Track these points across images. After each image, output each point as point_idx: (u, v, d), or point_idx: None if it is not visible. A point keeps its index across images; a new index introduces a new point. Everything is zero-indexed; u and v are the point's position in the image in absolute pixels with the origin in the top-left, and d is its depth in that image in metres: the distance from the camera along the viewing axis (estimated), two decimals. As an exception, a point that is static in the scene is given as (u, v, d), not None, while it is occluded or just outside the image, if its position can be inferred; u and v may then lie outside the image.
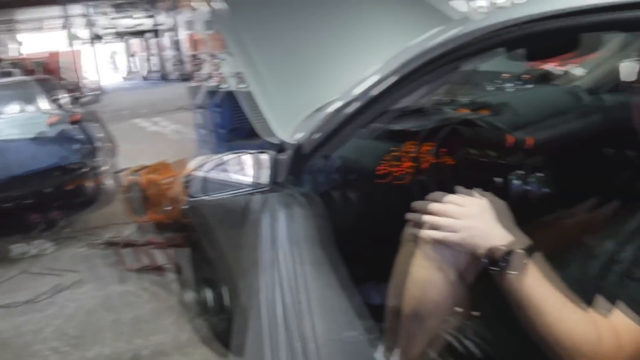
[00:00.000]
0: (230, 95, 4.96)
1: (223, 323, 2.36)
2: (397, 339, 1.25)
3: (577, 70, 2.51)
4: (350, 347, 0.60)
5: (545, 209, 2.07)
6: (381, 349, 1.42)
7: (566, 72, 2.34)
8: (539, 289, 0.97)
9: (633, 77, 2.22)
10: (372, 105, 1.37)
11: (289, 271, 0.88)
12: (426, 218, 1.10)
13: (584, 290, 1.14)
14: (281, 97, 1.64)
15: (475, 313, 1.29)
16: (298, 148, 1.40)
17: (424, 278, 1.11)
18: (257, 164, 1.54)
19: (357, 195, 1.64)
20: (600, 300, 1.00)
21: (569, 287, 1.18)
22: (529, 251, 0.99)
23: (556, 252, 1.33)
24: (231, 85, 4.90)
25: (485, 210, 1.05)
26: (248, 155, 1.51)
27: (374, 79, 1.35)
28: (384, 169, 1.80)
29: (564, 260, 1.25)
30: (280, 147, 1.57)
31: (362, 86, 1.39)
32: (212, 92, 5.54)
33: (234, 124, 5.08)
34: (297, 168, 1.50)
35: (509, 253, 0.98)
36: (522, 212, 1.73)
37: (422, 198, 1.66)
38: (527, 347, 1.06)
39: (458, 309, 1.13)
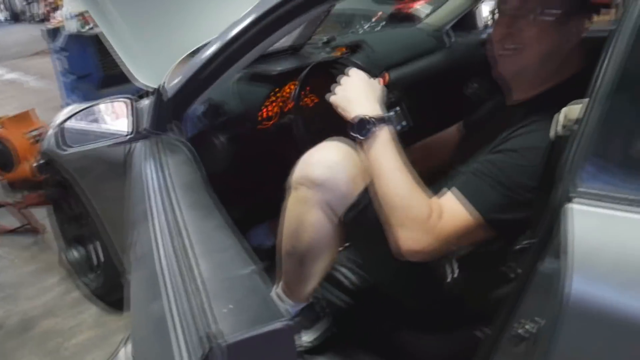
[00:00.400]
0: (79, 38, 4.53)
1: (99, 280, 2.28)
2: (281, 275, 1.34)
3: (424, 8, 2.66)
4: (239, 283, 0.63)
5: (405, 141, 2.25)
6: (272, 285, 1.50)
7: (417, 11, 2.48)
8: (386, 158, 1.11)
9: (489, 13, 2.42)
10: (235, 47, 1.36)
11: (167, 218, 0.88)
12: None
13: None
14: (140, 42, 1.57)
15: (347, 244, 1.41)
16: (162, 94, 1.36)
17: (298, 218, 1.19)
18: (122, 112, 1.47)
19: (227, 138, 1.65)
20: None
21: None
22: (389, 120, 1.14)
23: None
24: (73, 27, 4.47)
25: (361, 85, 1.21)
26: (112, 104, 1.43)
27: (241, 20, 1.35)
28: (263, 112, 1.82)
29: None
30: (151, 93, 1.52)
31: (228, 28, 1.37)
32: (56, 34, 5.00)
33: (85, 71, 4.65)
34: (162, 114, 1.47)
35: (365, 121, 1.12)
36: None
37: (287, 139, 1.73)
38: (398, 271, 1.19)
39: (333, 245, 1.23)
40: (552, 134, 0.86)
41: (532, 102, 1.19)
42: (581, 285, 0.74)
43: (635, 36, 0.73)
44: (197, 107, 1.65)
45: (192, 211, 0.90)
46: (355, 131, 1.12)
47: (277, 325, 0.56)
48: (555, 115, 0.86)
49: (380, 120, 1.13)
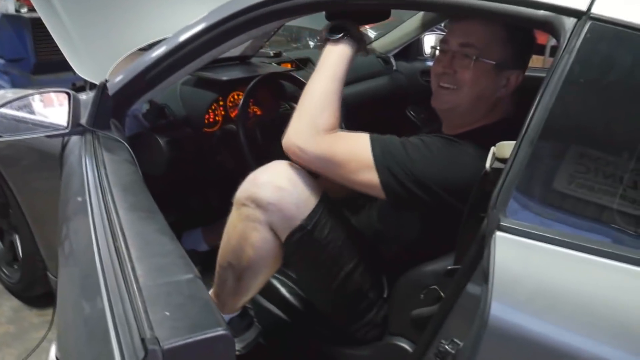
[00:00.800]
0: (14, 19, 4.29)
1: (15, 275, 2.16)
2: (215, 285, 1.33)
3: (371, 33, 2.74)
4: (178, 288, 0.62)
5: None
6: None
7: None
8: (334, 66, 1.24)
9: (430, 48, 2.52)
10: (184, 52, 1.36)
11: (105, 217, 0.86)
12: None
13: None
14: (83, 35, 1.52)
15: (289, 268, 1.43)
16: (104, 89, 1.33)
17: (241, 235, 1.20)
18: (59, 103, 1.42)
19: (166, 141, 1.62)
20: None
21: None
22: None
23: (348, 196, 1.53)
24: (10, 8, 4.22)
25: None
26: (49, 94, 1.38)
27: (192, 26, 1.35)
28: (210, 117, 1.81)
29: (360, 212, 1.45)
30: (92, 88, 1.48)
31: (179, 32, 1.37)
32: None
33: (17, 54, 4.39)
34: (103, 111, 1.43)
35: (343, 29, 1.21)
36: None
37: (228, 146, 1.73)
38: (333, 295, 1.22)
39: (273, 264, 1.25)
40: (487, 165, 0.92)
41: (460, 137, 1.27)
42: (500, 311, 0.79)
43: (559, 90, 0.81)
44: (139, 107, 1.61)
45: (132, 213, 0.88)
46: (330, 31, 1.24)
47: (216, 332, 0.56)
48: (492, 148, 0.92)
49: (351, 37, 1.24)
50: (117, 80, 1.44)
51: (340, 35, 1.24)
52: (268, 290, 1.47)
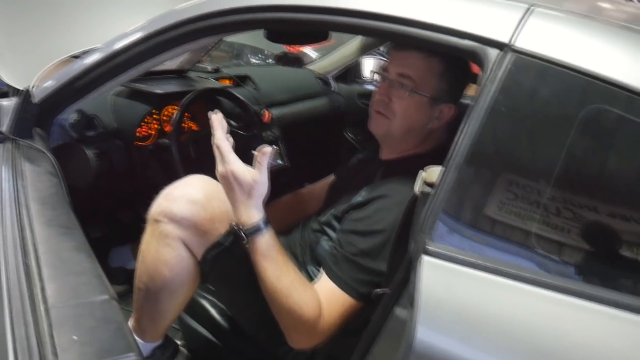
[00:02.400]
0: None
1: None
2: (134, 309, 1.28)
3: (312, 53, 2.78)
4: (90, 310, 0.58)
5: (280, 181, 2.29)
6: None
7: (304, 55, 2.58)
8: (271, 263, 1.07)
9: (369, 71, 2.57)
10: (117, 61, 1.32)
11: (17, 232, 0.80)
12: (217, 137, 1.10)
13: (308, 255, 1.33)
14: (9, 38, 1.46)
15: (212, 287, 1.39)
16: (28, 96, 1.27)
17: (156, 253, 1.15)
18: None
19: (95, 153, 1.56)
20: (322, 272, 1.18)
21: (297, 254, 1.36)
22: (264, 225, 1.07)
23: (288, 223, 1.52)
24: None
25: (254, 189, 1.07)
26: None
27: (128, 34, 1.31)
28: (140, 130, 1.76)
29: (292, 237, 1.43)
30: (14, 93, 1.40)
31: (113, 40, 1.33)
32: None
33: None
34: (26, 118, 1.36)
35: (243, 229, 1.05)
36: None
37: (160, 161, 1.68)
38: (259, 313, 1.19)
39: (190, 283, 1.20)
40: (416, 189, 0.93)
41: (393, 163, 1.29)
42: (425, 335, 0.80)
43: (483, 118, 0.84)
44: (66, 116, 1.54)
45: (48, 228, 0.83)
46: (236, 234, 1.07)
47: (126, 358, 0.53)
48: (420, 172, 0.94)
49: (258, 229, 1.06)
50: (44, 87, 1.38)
51: (248, 236, 1.06)
52: (196, 311, 1.42)
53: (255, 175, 1.06)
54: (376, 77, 1.32)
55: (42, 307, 0.59)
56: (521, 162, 0.86)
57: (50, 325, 0.56)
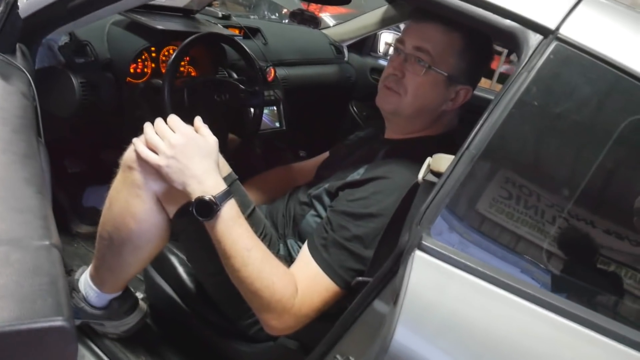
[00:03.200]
0: None
1: None
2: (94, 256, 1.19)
3: (330, 21, 2.64)
4: (21, 257, 0.49)
5: (272, 143, 2.19)
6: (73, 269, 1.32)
7: (321, 19, 2.45)
8: (238, 237, 0.98)
9: (385, 44, 2.45)
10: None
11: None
12: (145, 135, 1.02)
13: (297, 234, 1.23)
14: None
15: (179, 246, 1.30)
16: (13, 5, 1.15)
17: (125, 202, 1.05)
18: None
19: (82, 82, 1.44)
20: (305, 250, 1.07)
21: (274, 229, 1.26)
22: (228, 196, 0.99)
23: (274, 197, 1.42)
24: None
25: (191, 145, 1.00)
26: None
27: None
28: (135, 66, 1.64)
29: (276, 206, 1.33)
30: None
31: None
32: None
33: None
34: (10, 32, 1.24)
35: (208, 203, 0.96)
36: (248, 140, 1.78)
37: (151, 102, 1.57)
38: (226, 288, 1.10)
39: (158, 240, 1.11)
40: (420, 176, 0.84)
41: (398, 143, 1.19)
42: (404, 338, 0.72)
43: (511, 109, 0.74)
44: (56, 37, 1.42)
45: (1, 154, 0.73)
46: (197, 213, 0.96)
47: (51, 322, 0.44)
48: (428, 159, 0.85)
49: (225, 196, 0.98)
50: (35, 1, 1.26)
51: (212, 210, 0.97)
52: (163, 266, 1.34)
53: (212, 136, 1.03)
54: (391, 50, 1.20)
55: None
56: (543, 167, 0.76)
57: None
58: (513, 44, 0.81)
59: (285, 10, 3.40)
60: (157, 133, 1.01)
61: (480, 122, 0.77)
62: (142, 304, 1.34)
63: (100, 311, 1.24)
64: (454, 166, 0.77)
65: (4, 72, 1.11)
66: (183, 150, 0.99)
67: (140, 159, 1.02)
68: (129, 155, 1.05)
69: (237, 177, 1.12)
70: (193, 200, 0.97)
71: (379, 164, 1.14)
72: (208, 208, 0.96)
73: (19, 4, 1.21)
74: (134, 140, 1.04)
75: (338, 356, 0.89)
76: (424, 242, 0.73)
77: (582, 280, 0.72)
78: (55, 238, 0.56)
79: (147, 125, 1.03)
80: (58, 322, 0.44)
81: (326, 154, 1.52)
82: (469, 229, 0.76)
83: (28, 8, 1.25)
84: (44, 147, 1.08)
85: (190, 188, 0.98)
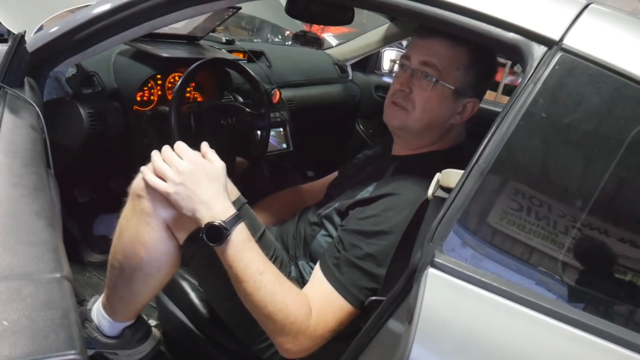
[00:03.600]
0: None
1: None
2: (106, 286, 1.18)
3: (332, 41, 2.67)
4: (32, 291, 0.49)
5: (280, 164, 2.19)
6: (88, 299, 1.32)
7: (324, 40, 2.47)
8: (250, 261, 0.98)
9: (390, 61, 2.47)
10: (122, 15, 1.21)
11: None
12: (153, 163, 1.02)
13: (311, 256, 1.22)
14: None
15: (190, 272, 1.29)
16: (21, 40, 1.17)
17: (136, 230, 1.05)
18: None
19: (90, 113, 1.46)
20: (318, 271, 1.06)
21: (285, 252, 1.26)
22: (237, 220, 0.99)
23: (283, 219, 1.41)
24: None
25: (199, 171, 1.00)
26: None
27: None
28: (142, 95, 1.66)
29: (286, 228, 1.33)
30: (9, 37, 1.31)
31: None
32: None
33: None
34: (18, 66, 1.26)
35: (218, 228, 0.96)
36: (255, 163, 1.79)
37: (158, 129, 1.58)
38: (238, 311, 1.10)
39: (169, 267, 1.10)
40: (429, 192, 0.84)
41: (407, 159, 1.19)
42: (420, 358, 0.70)
43: (519, 121, 0.73)
44: (64, 69, 1.44)
45: (11, 187, 0.73)
46: (207, 239, 0.96)
47: (64, 356, 0.44)
48: (437, 175, 0.84)
49: (234, 220, 0.98)
50: (42, 34, 1.28)
51: (222, 235, 0.96)
52: (175, 293, 1.33)
53: (219, 161, 1.03)
54: (396, 67, 1.21)
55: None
56: (554, 180, 0.76)
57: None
58: (518, 56, 0.80)
59: (288, 32, 3.43)
60: (164, 160, 1.01)
61: (489, 135, 0.76)
62: (156, 332, 1.34)
63: (113, 340, 1.24)
64: (464, 181, 0.76)
65: (13, 106, 1.13)
66: (191, 176, 0.99)
67: (148, 187, 1.02)
68: (137, 183, 1.05)
69: (246, 200, 1.12)
70: (203, 226, 0.97)
71: (388, 180, 1.13)
72: (218, 233, 0.96)
73: (26, 38, 1.24)
74: (142, 168, 1.05)
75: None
76: (436, 259, 0.72)
77: (599, 290, 0.71)
78: (66, 270, 0.56)
79: (155, 153, 1.03)
80: (71, 356, 0.44)
81: (335, 174, 1.51)
82: (482, 244, 0.75)
83: (35, 42, 1.27)
84: (53, 178, 1.08)
85: (200, 214, 0.98)
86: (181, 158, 1.01)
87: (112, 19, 1.24)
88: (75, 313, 0.50)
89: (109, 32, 1.27)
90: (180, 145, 1.04)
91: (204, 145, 1.06)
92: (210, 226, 0.96)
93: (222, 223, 0.96)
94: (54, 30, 1.27)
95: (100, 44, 1.30)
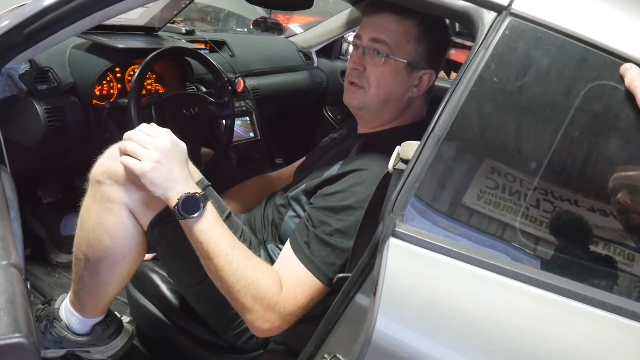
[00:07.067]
0: None
1: None
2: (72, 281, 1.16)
3: (297, 29, 2.66)
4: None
5: (248, 153, 2.18)
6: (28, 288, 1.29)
7: (288, 28, 2.45)
8: (221, 236, 0.97)
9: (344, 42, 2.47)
10: (72, 6, 1.18)
11: None
12: (124, 144, 1.00)
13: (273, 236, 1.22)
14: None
15: (160, 264, 1.27)
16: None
17: (98, 218, 1.03)
18: None
19: (46, 109, 1.42)
20: (288, 248, 1.06)
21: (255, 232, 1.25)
22: (205, 198, 0.98)
23: (252, 207, 1.40)
24: None
25: (174, 150, 0.99)
26: None
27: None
28: (100, 88, 1.62)
29: (253, 214, 1.32)
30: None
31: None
32: None
33: None
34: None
35: (194, 199, 0.96)
36: (222, 152, 1.77)
37: (119, 122, 1.55)
38: (207, 298, 1.09)
39: (134, 255, 1.08)
40: (390, 166, 0.84)
41: (371, 137, 1.19)
42: (386, 327, 0.70)
43: (471, 87, 0.74)
44: (15, 66, 1.40)
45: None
46: (183, 211, 0.95)
47: (9, 339, 0.42)
48: (397, 148, 0.84)
49: (206, 196, 0.99)
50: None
51: (198, 207, 0.96)
52: (145, 286, 1.31)
53: (182, 142, 1.02)
54: (350, 48, 1.21)
55: None
56: (509, 144, 0.76)
57: None
58: (468, 23, 0.81)
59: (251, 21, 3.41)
60: (134, 141, 0.99)
61: (443, 103, 0.77)
62: (128, 327, 1.32)
63: (84, 338, 1.21)
64: (420, 150, 0.76)
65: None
66: (168, 155, 0.97)
67: (107, 172, 1.00)
68: (96, 169, 1.03)
69: (209, 183, 1.11)
70: (174, 205, 0.95)
71: (353, 158, 1.14)
72: (195, 204, 0.95)
73: (-27, 34, 1.20)
74: (107, 151, 1.03)
75: (326, 355, 0.87)
76: (397, 229, 0.73)
77: (555, 249, 0.72)
78: (14, 258, 0.54)
79: (127, 134, 1.01)
80: (15, 339, 0.42)
81: (302, 159, 1.51)
82: (442, 212, 0.75)
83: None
84: (8, 174, 1.06)
85: (174, 192, 0.96)
86: (152, 137, 0.99)
87: (62, 9, 1.20)
88: (22, 299, 0.48)
89: (60, 24, 1.23)
90: (145, 125, 1.02)
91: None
92: (187, 196, 0.95)
93: (198, 194, 0.96)
94: (3, 24, 1.23)
95: (52, 37, 1.26)
